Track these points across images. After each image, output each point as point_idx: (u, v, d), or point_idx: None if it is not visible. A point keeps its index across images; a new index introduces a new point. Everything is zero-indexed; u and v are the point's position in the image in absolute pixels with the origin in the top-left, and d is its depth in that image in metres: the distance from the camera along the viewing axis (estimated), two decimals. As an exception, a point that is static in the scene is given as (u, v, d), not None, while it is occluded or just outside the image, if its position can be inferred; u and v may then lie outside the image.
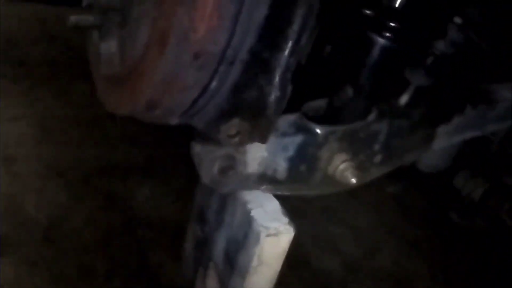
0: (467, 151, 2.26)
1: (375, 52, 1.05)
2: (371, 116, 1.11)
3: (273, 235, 1.02)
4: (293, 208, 2.64)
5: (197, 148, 1.02)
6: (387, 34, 1.03)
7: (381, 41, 1.03)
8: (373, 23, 1.04)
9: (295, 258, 2.52)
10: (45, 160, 2.83)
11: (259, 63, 0.87)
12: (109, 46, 0.95)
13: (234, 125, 0.92)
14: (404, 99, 1.18)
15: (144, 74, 0.83)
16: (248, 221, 1.03)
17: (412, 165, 2.35)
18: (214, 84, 0.85)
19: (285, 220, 1.05)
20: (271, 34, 0.85)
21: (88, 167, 2.81)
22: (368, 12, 1.04)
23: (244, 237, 1.04)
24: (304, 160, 1.07)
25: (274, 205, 1.07)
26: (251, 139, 0.96)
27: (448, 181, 2.52)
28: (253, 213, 1.03)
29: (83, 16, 0.95)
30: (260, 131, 0.95)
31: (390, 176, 2.82)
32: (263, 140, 0.97)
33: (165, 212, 2.54)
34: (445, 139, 1.26)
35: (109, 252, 2.44)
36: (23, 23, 3.78)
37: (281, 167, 1.06)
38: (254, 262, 1.03)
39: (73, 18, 0.93)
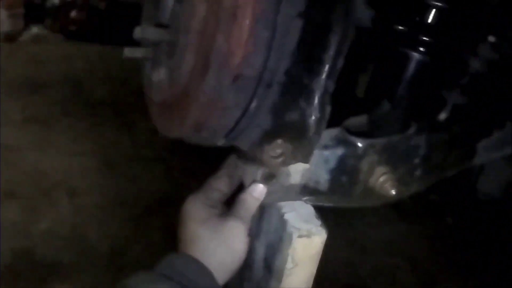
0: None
1: (409, 66, 1.09)
2: (410, 130, 1.15)
3: (305, 236, 1.06)
4: (351, 240, 2.66)
5: (241, 163, 1.08)
6: (420, 49, 1.07)
7: (414, 55, 1.08)
8: (407, 39, 1.08)
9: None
10: (107, 193, 2.94)
11: (298, 86, 0.93)
12: (159, 75, 1.04)
13: (277, 146, 0.97)
14: (442, 116, 1.21)
15: (190, 97, 0.91)
16: (282, 224, 1.08)
17: (471, 194, 2.34)
18: (253, 105, 0.90)
19: (318, 222, 1.09)
20: (307, 59, 0.91)
21: (149, 200, 2.91)
22: (401, 28, 1.08)
23: (279, 240, 1.08)
24: (345, 172, 1.11)
25: (307, 209, 1.11)
26: (294, 159, 1.01)
27: (508, 209, 2.49)
28: (286, 216, 1.08)
29: (136, 48, 1.04)
30: (302, 151, 1.00)
31: (448, 206, 2.81)
32: (305, 160, 1.02)
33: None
34: (486, 155, 1.28)
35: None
36: (88, 64, 3.97)
37: (323, 179, 1.10)
38: (289, 263, 1.07)
39: (127, 51, 1.02)
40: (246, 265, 1.13)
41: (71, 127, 3.34)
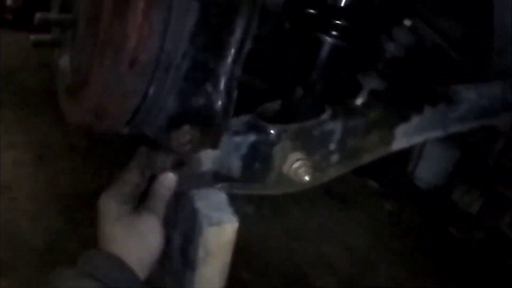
0: (464, 165, 2.27)
1: (323, 51, 1.07)
2: (324, 115, 1.13)
3: (216, 224, 1.04)
4: (289, 228, 2.65)
5: (151, 153, 1.06)
6: (333, 32, 1.05)
7: (327, 39, 1.06)
8: (319, 22, 1.06)
9: (291, 277, 2.53)
10: (40, 187, 2.87)
11: (203, 70, 0.91)
12: (64, 61, 1.01)
13: (184, 132, 0.95)
14: (359, 100, 1.20)
15: (88, 84, 0.88)
16: (193, 213, 1.06)
17: (409, 181, 2.36)
18: (152, 89, 0.89)
19: (229, 210, 1.07)
20: (211, 42, 0.89)
21: (84, 192, 2.84)
22: (313, 11, 1.07)
23: (191, 230, 1.06)
24: (258, 159, 1.09)
25: (219, 197, 1.09)
26: (203, 146, 0.99)
27: (446, 196, 2.52)
28: (197, 204, 1.06)
29: (43, 34, 1.00)
30: (210, 138, 0.98)
31: (386, 194, 2.83)
32: (214, 146, 1.00)
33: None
34: (405, 140, 1.27)
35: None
36: (22, 53, 3.85)
37: (235, 165, 1.08)
38: (201, 253, 1.05)
39: (34, 37, 0.99)
40: (166, 256, 1.11)
41: (2, 118, 3.24)
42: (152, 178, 1.08)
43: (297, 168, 1.10)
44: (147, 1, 0.79)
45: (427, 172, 2.29)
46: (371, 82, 1.19)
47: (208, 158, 1.05)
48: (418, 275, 2.61)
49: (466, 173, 2.32)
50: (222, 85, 0.93)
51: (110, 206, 1.05)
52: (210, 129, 0.97)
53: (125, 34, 0.80)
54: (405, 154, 1.93)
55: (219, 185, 1.10)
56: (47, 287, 0.97)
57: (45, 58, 3.80)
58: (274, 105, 1.14)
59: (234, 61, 0.92)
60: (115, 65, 0.83)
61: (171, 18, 0.82)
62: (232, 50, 0.92)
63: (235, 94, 0.95)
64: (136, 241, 1.03)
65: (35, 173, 2.93)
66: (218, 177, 1.09)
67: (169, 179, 1.05)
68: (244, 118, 1.08)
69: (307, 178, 1.10)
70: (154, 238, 1.04)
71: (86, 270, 0.99)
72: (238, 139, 1.06)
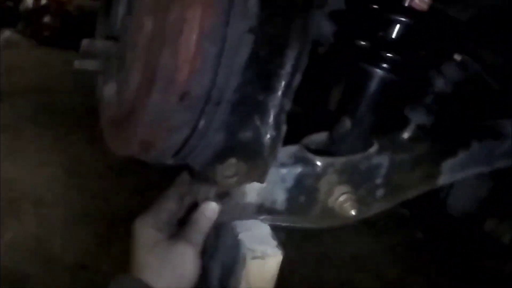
0: (497, 195, 2.23)
1: (371, 83, 1.05)
2: (372, 149, 1.11)
3: (259, 257, 1.02)
4: (319, 255, 2.63)
5: (194, 182, 1.05)
6: (383, 65, 1.03)
7: (377, 72, 1.04)
8: (369, 55, 1.04)
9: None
10: (73, 205, 2.88)
11: (252, 104, 0.89)
12: (109, 90, 0.99)
13: (231, 165, 0.93)
14: (406, 135, 1.18)
15: (135, 116, 0.86)
16: (236, 245, 1.04)
17: (441, 208, 2.33)
18: (202, 124, 0.86)
19: (273, 243, 1.05)
20: (261, 75, 0.87)
21: (114, 214, 2.85)
22: (363, 43, 1.05)
23: (233, 261, 1.04)
24: (303, 192, 1.07)
25: (263, 229, 1.07)
26: (249, 179, 0.97)
27: (478, 225, 2.48)
28: (240, 236, 1.04)
29: (87, 60, 0.99)
30: (257, 171, 0.96)
31: (417, 221, 2.80)
32: (260, 179, 0.98)
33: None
34: (452, 175, 1.25)
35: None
36: (59, 71, 3.90)
37: (280, 198, 1.06)
38: (243, 286, 1.03)
39: (77, 63, 0.98)
40: (203, 285, 1.09)
41: (39, 136, 3.28)
42: (192, 207, 1.06)
43: (343, 202, 1.08)
44: (201, 33, 0.77)
45: (459, 200, 2.26)
46: (418, 117, 1.17)
47: (253, 190, 1.04)
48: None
49: (498, 203, 2.28)
50: (271, 118, 0.91)
51: (145, 232, 1.03)
52: (257, 163, 0.94)
53: (176, 67, 0.78)
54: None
55: (262, 217, 1.08)
56: None
57: (80, 79, 3.81)
58: (320, 136, 1.12)
59: (284, 94, 0.90)
60: (165, 98, 0.81)
61: (224, 51, 0.80)
62: (282, 83, 0.90)
63: (284, 127, 0.93)
64: (170, 270, 1.00)
65: (68, 192, 2.95)
66: (262, 209, 1.07)
67: (211, 209, 1.03)
68: (291, 149, 1.06)
69: (353, 212, 1.08)
70: (188, 269, 1.01)
71: None
72: (284, 171, 1.05)
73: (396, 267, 2.73)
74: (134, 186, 2.99)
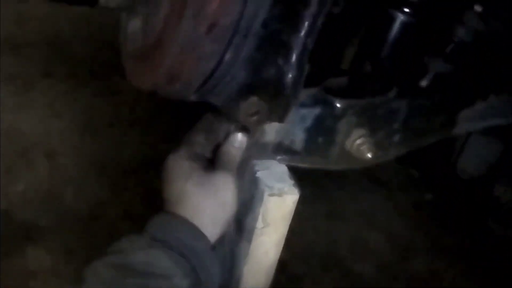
0: (507, 159, 2.24)
1: (394, 27, 1.06)
2: (391, 93, 1.12)
3: (277, 194, 1.04)
4: (330, 211, 2.66)
5: (216, 120, 1.07)
6: (406, 9, 1.04)
7: (400, 16, 1.05)
8: (393, -1, 1.05)
9: (329, 260, 2.53)
10: (85, 156, 2.90)
11: (276, 42, 0.90)
12: (134, 25, 1.00)
13: (252, 103, 0.94)
14: (424, 82, 1.19)
15: (163, 46, 0.87)
16: (254, 182, 1.05)
17: (451, 171, 2.34)
18: (228, 56, 0.88)
19: (290, 181, 1.06)
20: (286, 14, 0.89)
21: (127, 164, 2.87)
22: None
23: (251, 199, 1.06)
24: (321, 132, 1.09)
25: (280, 168, 1.09)
26: (269, 118, 0.98)
27: (487, 189, 2.49)
28: (258, 174, 1.06)
29: None
30: (278, 111, 0.97)
31: (427, 183, 2.81)
32: (281, 119, 0.99)
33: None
34: (467, 125, 1.26)
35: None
36: (72, 25, 3.88)
37: (299, 137, 1.08)
38: (259, 223, 1.05)
39: (103, 0, 0.98)
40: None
41: (50, 88, 3.27)
42: (216, 146, 1.08)
43: (360, 145, 1.10)
44: (232, -36, 0.78)
45: (469, 163, 2.27)
46: (438, 65, 1.18)
47: (272, 129, 1.05)
48: (454, 266, 2.59)
49: (508, 167, 2.29)
50: (293, 58, 0.92)
51: (181, 163, 1.02)
52: (278, 102, 0.96)
53: None
54: (448, 145, 1.91)
55: (280, 157, 1.10)
56: (118, 257, 0.94)
57: (95, 31, 3.83)
58: (341, 80, 1.13)
59: (307, 35, 0.91)
60: (194, 27, 0.82)
61: None
62: (306, 24, 0.91)
63: (306, 68, 0.94)
64: (211, 198, 0.99)
65: (79, 143, 2.97)
66: (280, 148, 1.08)
67: (240, 140, 1.04)
68: (311, 90, 1.07)
69: (369, 155, 1.09)
70: (229, 196, 1.01)
71: (157, 236, 0.96)
72: (303, 111, 1.06)
73: (403, 225, 2.76)
74: (145, 137, 3.01)
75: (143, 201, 2.66)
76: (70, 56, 3.61)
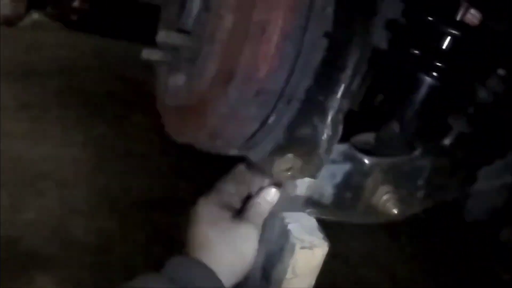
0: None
1: (422, 90, 1.11)
2: (416, 152, 1.17)
3: (307, 248, 1.07)
4: (334, 251, 2.69)
5: (249, 172, 1.11)
6: (433, 73, 1.09)
7: (427, 79, 1.10)
8: (421, 63, 1.10)
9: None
10: (95, 187, 2.94)
11: (314, 103, 0.94)
12: (176, 80, 1.04)
13: (287, 160, 0.98)
14: (447, 141, 1.23)
15: (209, 106, 0.92)
16: (285, 234, 1.08)
17: (456, 214, 2.36)
18: (271, 119, 0.92)
19: (320, 235, 1.10)
20: (325, 77, 0.93)
21: (136, 197, 2.91)
22: (416, 52, 1.10)
23: (280, 250, 1.09)
24: (349, 188, 1.12)
25: (310, 221, 1.12)
26: (302, 174, 1.02)
27: (493, 233, 2.52)
28: (290, 227, 1.09)
29: (154, 51, 1.04)
30: (311, 167, 1.01)
31: (433, 225, 2.84)
32: (313, 176, 1.03)
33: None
34: (486, 182, 1.30)
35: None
36: (85, 55, 3.95)
37: (328, 192, 1.12)
38: (289, 274, 1.08)
39: (145, 53, 1.03)
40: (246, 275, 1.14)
41: (63, 117, 3.34)
42: (246, 198, 1.12)
43: (386, 201, 1.14)
44: (282, 35, 0.83)
45: (476, 207, 2.29)
46: (460, 125, 1.22)
47: (303, 184, 1.09)
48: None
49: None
50: (329, 118, 0.96)
51: (210, 210, 1.07)
52: (312, 159, 0.99)
53: (256, 64, 0.84)
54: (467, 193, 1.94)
55: (309, 210, 1.14)
56: None
57: (107, 62, 3.89)
58: (368, 137, 1.18)
59: (343, 96, 0.95)
60: (241, 92, 0.86)
61: (301, 52, 0.86)
62: (342, 86, 0.95)
63: (340, 128, 0.98)
64: (233, 248, 1.04)
65: (91, 174, 3.01)
66: (309, 202, 1.12)
67: (272, 194, 1.08)
68: (341, 147, 1.11)
69: (395, 211, 1.13)
70: (250, 248, 1.05)
71: (173, 276, 0.98)
72: (333, 167, 1.10)
73: (408, 268, 2.79)
74: (156, 172, 3.05)
75: (152, 238, 2.69)
76: (83, 86, 3.68)
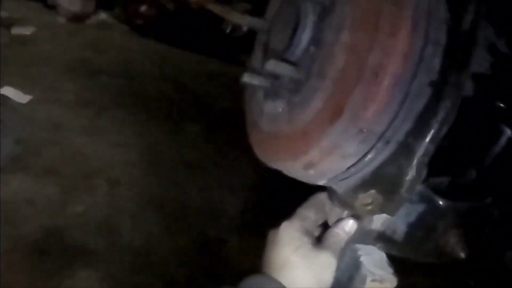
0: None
1: (502, 142, 1.15)
2: (488, 200, 1.20)
3: (378, 281, 1.11)
4: None
5: (329, 202, 1.16)
6: (514, 126, 1.13)
7: (509, 132, 1.13)
8: (505, 116, 1.14)
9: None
10: (145, 191, 3.00)
11: (402, 144, 0.98)
12: (274, 107, 1.09)
13: (370, 195, 1.01)
14: (515, 191, 1.27)
15: (310, 138, 0.96)
16: (356, 265, 1.13)
17: (498, 259, 2.36)
18: (368, 157, 0.96)
19: (390, 270, 1.14)
20: (422, 123, 0.96)
21: (186, 205, 2.96)
22: (501, 105, 1.14)
23: (349, 279, 1.14)
24: (421, 228, 1.16)
25: (380, 255, 1.16)
26: (381, 211, 1.05)
27: (497, 257, 2.49)
28: (362, 259, 1.13)
29: (256, 76, 1.09)
30: (391, 205, 1.03)
31: (471, 268, 2.83)
32: (391, 213, 1.06)
33: (253, 262, 2.62)
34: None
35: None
36: (147, 60, 4.04)
37: (400, 230, 1.15)
38: (356, 304, 1.12)
39: (247, 76, 1.08)
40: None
41: (120, 118, 3.41)
42: (323, 224, 1.17)
43: (455, 243, 1.18)
44: (393, 80, 0.88)
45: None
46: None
47: (379, 219, 1.13)
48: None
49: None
50: (415, 160, 0.99)
51: (293, 234, 1.11)
52: (393, 197, 1.02)
53: (365, 104, 0.89)
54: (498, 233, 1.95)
55: (380, 244, 1.18)
56: None
57: (168, 70, 3.97)
58: (443, 180, 1.21)
59: (431, 141, 0.98)
60: (346, 129, 0.91)
61: (407, 98, 0.91)
62: (432, 131, 0.97)
63: (424, 171, 1.01)
64: (312, 274, 1.07)
65: (142, 176, 3.07)
66: (382, 237, 1.16)
67: (350, 225, 1.12)
68: (418, 187, 1.15)
69: (462, 254, 1.17)
70: (328, 276, 1.09)
71: None
72: (409, 206, 1.13)
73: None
74: (205, 181, 3.10)
75: (195, 247, 2.73)
76: (143, 90, 3.75)
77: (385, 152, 0.97)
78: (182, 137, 3.39)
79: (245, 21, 1.14)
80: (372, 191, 1.02)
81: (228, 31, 1.88)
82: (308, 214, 1.16)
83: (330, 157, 0.96)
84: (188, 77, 3.84)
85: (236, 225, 2.90)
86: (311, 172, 1.01)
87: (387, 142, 0.95)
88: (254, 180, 2.90)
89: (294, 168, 1.03)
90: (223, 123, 3.10)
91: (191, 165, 3.21)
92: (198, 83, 3.66)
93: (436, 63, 0.92)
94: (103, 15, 4.49)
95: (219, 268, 2.64)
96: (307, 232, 1.14)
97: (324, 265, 1.09)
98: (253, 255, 2.53)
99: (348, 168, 0.98)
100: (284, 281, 1.06)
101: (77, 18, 4.32)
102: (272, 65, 1.01)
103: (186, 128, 3.39)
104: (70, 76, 3.53)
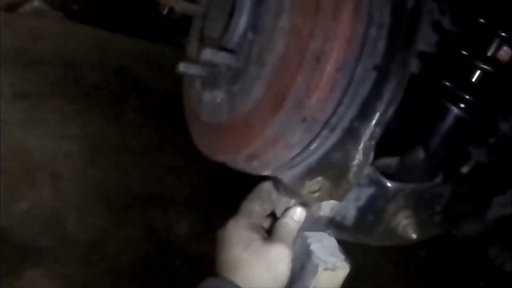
0: (504, 222, 2.29)
1: (449, 120, 1.13)
2: (438, 179, 1.19)
3: (330, 269, 1.10)
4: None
5: (275, 191, 1.13)
6: (461, 105, 1.11)
7: (455, 110, 1.12)
8: (451, 94, 1.12)
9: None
10: (90, 182, 2.93)
11: (348, 129, 0.96)
12: (213, 96, 1.05)
13: (317, 182, 1.00)
14: (465, 169, 1.26)
15: (255, 128, 0.93)
16: (307, 254, 1.11)
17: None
18: (314, 145, 0.94)
19: (342, 256, 1.13)
20: (367, 107, 0.95)
21: (131, 194, 2.90)
22: (447, 83, 1.12)
23: (301, 269, 1.11)
24: (372, 211, 1.15)
25: (331, 242, 1.15)
26: (329, 197, 1.03)
27: (482, 250, 2.54)
28: (312, 247, 1.12)
29: (192, 65, 1.05)
30: (338, 191, 1.02)
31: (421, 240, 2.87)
32: (340, 199, 1.04)
33: (203, 248, 2.58)
34: (499, 210, 1.33)
35: (142, 280, 2.50)
36: (85, 46, 3.92)
37: (350, 215, 1.14)
38: (309, 293, 1.10)
39: (182, 66, 1.03)
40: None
41: (60, 108, 3.31)
42: (272, 217, 1.14)
43: (406, 225, 1.16)
44: (335, 66, 0.84)
45: (465, 222, 2.33)
46: (480, 155, 1.25)
47: (328, 205, 1.10)
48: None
49: (505, 230, 2.34)
50: (361, 145, 0.97)
51: (241, 232, 1.08)
52: (341, 183, 1.00)
53: (308, 92, 0.85)
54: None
55: (330, 231, 1.16)
56: None
57: (107, 56, 3.88)
58: (391, 161, 1.19)
59: (377, 124, 0.96)
60: (289, 118, 0.88)
61: (351, 84, 0.88)
62: (377, 114, 0.96)
63: (371, 155, 0.99)
64: (266, 269, 1.05)
65: (86, 167, 3.00)
66: (332, 223, 1.14)
67: (299, 213, 1.10)
68: (365, 171, 1.13)
69: (414, 235, 1.16)
70: (283, 269, 1.06)
71: None
72: (358, 190, 1.11)
73: (398, 281, 2.82)
74: (151, 168, 3.05)
75: (145, 236, 2.68)
76: (82, 78, 3.65)
77: (331, 140, 0.94)
78: (124, 124, 3.31)
79: (179, 6, 1.09)
80: (319, 178, 1.00)
81: (164, 12, 1.80)
82: (254, 207, 1.13)
83: (274, 148, 0.92)
84: (128, 62, 3.75)
85: (184, 211, 2.85)
86: (255, 163, 0.97)
87: (332, 130, 0.92)
88: (201, 164, 2.85)
89: (237, 160, 0.99)
90: (165, 107, 3.03)
91: (135, 151, 3.14)
92: (139, 68, 3.57)
93: (381, 45, 0.89)
94: (36, 2, 4.33)
95: (169, 256, 2.60)
96: (255, 228, 1.11)
97: (277, 259, 1.06)
98: (203, 241, 2.51)
99: (293, 157, 0.95)
100: (238, 281, 1.03)
101: (10, 7, 4.16)
102: (209, 54, 0.96)
103: (128, 115, 3.32)
104: (5, 68, 3.39)
